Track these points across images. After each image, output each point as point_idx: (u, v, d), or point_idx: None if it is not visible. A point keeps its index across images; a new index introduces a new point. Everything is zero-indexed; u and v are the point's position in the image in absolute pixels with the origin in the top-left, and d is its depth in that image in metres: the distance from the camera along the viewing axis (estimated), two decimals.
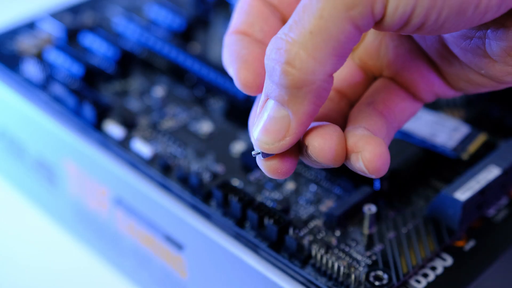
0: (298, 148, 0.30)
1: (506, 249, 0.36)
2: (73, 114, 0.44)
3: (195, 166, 0.40)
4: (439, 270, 0.35)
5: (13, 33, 0.52)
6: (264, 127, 0.29)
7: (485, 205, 0.37)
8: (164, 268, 0.42)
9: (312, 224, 0.37)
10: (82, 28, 0.51)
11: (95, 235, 0.47)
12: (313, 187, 0.39)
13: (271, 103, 0.28)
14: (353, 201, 0.37)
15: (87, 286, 0.47)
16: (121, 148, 0.42)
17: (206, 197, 0.38)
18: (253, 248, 0.36)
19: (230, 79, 0.45)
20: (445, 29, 0.27)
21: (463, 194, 0.35)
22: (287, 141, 0.28)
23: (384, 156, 0.28)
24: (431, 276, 0.35)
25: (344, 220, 0.37)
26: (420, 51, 0.32)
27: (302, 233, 0.36)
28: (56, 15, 0.53)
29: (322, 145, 0.28)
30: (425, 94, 0.33)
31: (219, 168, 0.40)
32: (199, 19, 0.53)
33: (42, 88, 0.47)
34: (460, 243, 0.36)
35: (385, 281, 0.34)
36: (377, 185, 0.38)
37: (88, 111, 0.43)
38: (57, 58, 0.48)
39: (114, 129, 0.43)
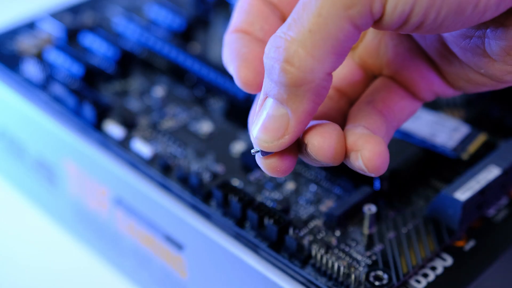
0: (297, 146, 0.30)
1: (506, 249, 0.36)
2: (73, 114, 0.44)
3: (195, 166, 0.40)
4: (439, 270, 0.35)
5: (13, 33, 0.52)
6: (263, 125, 0.29)
7: (485, 205, 0.37)
8: (164, 268, 0.42)
9: (312, 224, 0.37)
10: (82, 28, 0.51)
11: (95, 235, 0.47)
12: (313, 187, 0.39)
13: (270, 101, 0.28)
14: (353, 201, 0.37)
15: (87, 286, 0.47)
16: (121, 148, 0.42)
17: (206, 197, 0.38)
18: (253, 248, 0.36)
19: (230, 79, 0.45)
20: (444, 28, 0.27)
21: (463, 194, 0.35)
22: (286, 139, 0.28)
23: (384, 154, 0.28)
24: (431, 276, 0.35)
25: (344, 220, 0.37)
26: (419, 50, 0.32)
27: (302, 233, 0.36)
28: (56, 15, 0.53)
29: (322, 144, 0.28)
30: (425, 93, 0.33)
31: (219, 168, 0.40)
32: (199, 19, 0.53)
33: (42, 88, 0.47)
34: (460, 243, 0.36)
35: (385, 281, 0.34)
36: (377, 185, 0.38)
37: (88, 111, 0.43)
38: (57, 58, 0.48)
39: (114, 129, 0.43)
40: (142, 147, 0.41)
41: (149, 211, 0.41)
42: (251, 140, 0.29)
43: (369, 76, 0.34)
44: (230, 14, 0.53)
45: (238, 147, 0.42)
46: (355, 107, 0.32)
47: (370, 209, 0.36)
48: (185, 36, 0.51)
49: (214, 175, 0.40)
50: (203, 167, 0.40)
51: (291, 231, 0.35)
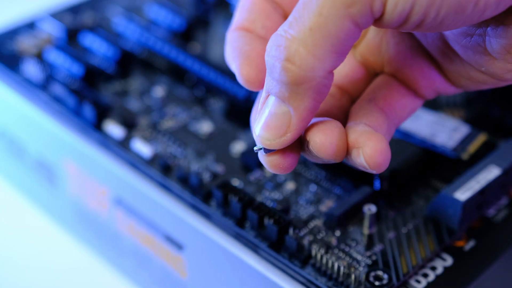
0: (299, 144, 0.30)
1: (506, 249, 0.36)
2: (73, 114, 0.44)
3: (195, 166, 0.40)
4: (439, 270, 0.35)
5: (13, 33, 0.52)
6: (266, 123, 0.29)
7: (485, 205, 0.37)
8: (164, 268, 0.42)
9: (312, 224, 0.37)
10: (82, 28, 0.51)
11: (95, 235, 0.47)
12: (313, 187, 0.39)
13: (272, 99, 0.29)
14: (353, 201, 0.37)
15: (87, 286, 0.47)
16: (121, 148, 0.42)
17: (206, 197, 0.38)
18: (253, 248, 0.36)
19: (230, 79, 0.45)
20: (444, 26, 0.27)
21: (463, 194, 0.35)
22: (288, 137, 0.29)
23: (385, 152, 0.28)
24: (431, 276, 0.35)
25: (344, 220, 0.37)
26: (421, 48, 0.32)
27: (302, 233, 0.36)
28: (56, 15, 0.53)
29: (323, 141, 0.29)
30: (426, 90, 0.33)
31: (219, 168, 0.40)
32: (199, 19, 0.53)
33: (42, 88, 0.47)
34: (460, 243, 0.36)
35: (385, 281, 0.34)
36: (377, 185, 0.38)
37: (88, 111, 0.43)
38: (57, 58, 0.48)
39: (114, 129, 0.43)
40: (142, 147, 0.41)
41: (149, 211, 0.41)
42: (254, 138, 0.29)
43: (370, 73, 0.34)
44: (230, 14, 0.54)
45: (238, 147, 0.42)
46: (357, 105, 0.32)
47: (370, 209, 0.36)
48: (185, 36, 0.51)
49: (214, 175, 0.40)
50: (203, 167, 0.40)
51: (291, 231, 0.35)
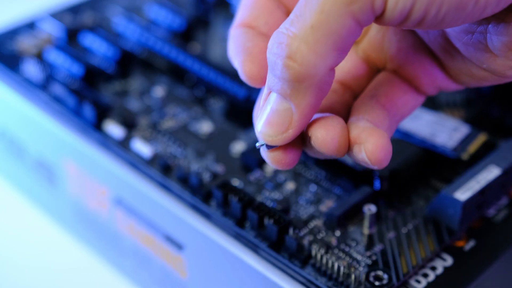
0: (301, 139, 0.30)
1: (506, 249, 0.36)
2: (73, 114, 0.44)
3: (195, 166, 0.40)
4: (439, 270, 0.35)
5: (13, 33, 0.52)
6: (267, 119, 0.29)
7: (485, 205, 0.37)
8: (164, 268, 0.42)
9: (312, 224, 0.37)
10: (82, 28, 0.51)
11: (95, 235, 0.47)
12: (313, 187, 0.39)
13: (273, 96, 0.29)
14: (353, 201, 0.37)
15: (87, 286, 0.47)
16: (121, 148, 0.42)
17: (206, 197, 0.38)
18: (253, 248, 0.36)
19: (230, 79, 0.45)
20: (445, 24, 0.27)
21: (463, 194, 0.35)
22: (290, 133, 0.29)
23: (387, 147, 0.29)
24: (431, 276, 0.35)
25: (344, 220, 0.36)
26: (423, 45, 0.33)
27: (302, 233, 0.36)
28: (56, 15, 0.53)
29: (325, 136, 0.29)
30: (428, 87, 0.33)
31: (219, 168, 0.40)
32: (199, 19, 0.53)
33: (42, 88, 0.47)
34: (460, 243, 0.36)
35: (385, 281, 0.34)
36: (377, 185, 0.38)
37: (88, 111, 0.43)
38: (57, 58, 0.48)
39: (114, 129, 0.43)
40: (142, 147, 0.41)
41: (149, 211, 0.41)
42: (256, 134, 0.30)
43: (373, 70, 0.34)
44: (230, 14, 0.54)
45: (238, 147, 0.42)
46: (359, 101, 0.32)
47: (370, 209, 0.36)
48: (185, 36, 0.51)
49: (214, 175, 0.40)
50: (203, 167, 0.40)
51: (291, 231, 0.35)
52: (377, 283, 0.34)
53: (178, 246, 0.40)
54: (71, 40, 0.51)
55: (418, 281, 0.34)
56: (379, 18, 0.27)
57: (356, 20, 0.26)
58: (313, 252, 0.35)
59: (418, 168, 0.39)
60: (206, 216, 0.38)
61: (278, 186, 0.39)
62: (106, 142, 0.42)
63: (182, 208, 0.39)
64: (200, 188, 0.39)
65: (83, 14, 0.54)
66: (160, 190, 0.40)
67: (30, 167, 0.50)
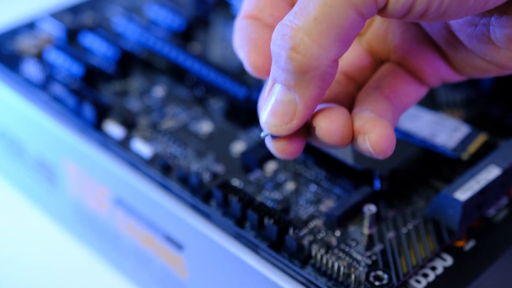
0: (306, 129, 0.30)
1: (506, 249, 0.36)
2: (73, 114, 0.44)
3: (195, 166, 0.40)
4: (439, 270, 0.35)
5: (13, 33, 0.52)
6: (272, 110, 0.29)
7: (485, 205, 0.37)
8: (164, 268, 0.42)
9: (312, 224, 0.37)
10: (82, 28, 0.51)
11: (95, 235, 0.47)
12: (313, 187, 0.39)
13: (278, 87, 0.29)
14: (353, 201, 0.37)
15: (87, 286, 0.47)
16: (121, 148, 0.42)
17: (206, 197, 0.38)
18: (253, 248, 0.36)
19: (230, 79, 0.45)
20: (448, 16, 0.28)
21: (463, 194, 0.35)
22: (294, 123, 0.29)
23: (390, 137, 0.29)
24: (431, 276, 0.35)
25: (344, 220, 0.37)
26: (426, 37, 0.33)
27: (302, 233, 0.36)
28: (56, 15, 0.53)
29: (329, 126, 0.29)
30: (431, 78, 0.33)
31: (219, 168, 0.40)
32: (199, 19, 0.53)
33: (42, 88, 0.47)
34: (460, 243, 0.36)
35: (385, 281, 0.34)
36: (377, 185, 0.38)
37: (88, 111, 0.43)
38: (57, 58, 0.48)
39: (114, 129, 0.43)
40: (142, 147, 0.41)
41: (149, 211, 0.41)
42: (260, 124, 0.30)
43: (376, 61, 0.35)
44: (230, 14, 0.54)
45: (238, 147, 0.42)
46: (363, 92, 0.32)
47: (370, 209, 0.36)
48: (185, 36, 0.51)
49: (214, 175, 0.40)
50: (203, 167, 0.40)
51: (291, 231, 0.35)
52: (377, 283, 0.34)
53: (178, 246, 0.40)
54: (71, 40, 0.51)
55: (418, 281, 0.34)
56: (382, 10, 0.27)
57: (359, 12, 0.27)
58: (313, 252, 0.35)
59: (418, 168, 0.39)
60: (206, 216, 0.38)
61: (278, 186, 0.39)
62: (106, 142, 0.42)
63: (182, 208, 0.39)
64: (200, 188, 0.39)
65: (83, 14, 0.54)
66: (160, 190, 0.40)
67: (30, 167, 0.50)
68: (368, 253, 0.35)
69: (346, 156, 0.39)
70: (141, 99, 0.46)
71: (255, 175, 0.40)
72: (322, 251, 0.35)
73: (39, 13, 0.54)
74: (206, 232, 0.37)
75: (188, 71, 0.47)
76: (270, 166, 0.40)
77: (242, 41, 0.33)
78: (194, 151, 0.42)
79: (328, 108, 0.30)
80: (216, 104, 0.45)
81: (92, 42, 0.49)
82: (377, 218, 0.37)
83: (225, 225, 0.37)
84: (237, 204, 0.37)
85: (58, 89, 0.45)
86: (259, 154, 0.40)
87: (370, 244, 0.36)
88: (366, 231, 0.36)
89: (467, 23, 0.30)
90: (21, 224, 0.51)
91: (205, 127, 0.43)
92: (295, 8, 0.28)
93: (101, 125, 0.43)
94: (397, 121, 0.33)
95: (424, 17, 0.27)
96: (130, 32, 0.50)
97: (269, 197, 0.39)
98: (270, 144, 0.31)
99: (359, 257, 0.35)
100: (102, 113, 0.43)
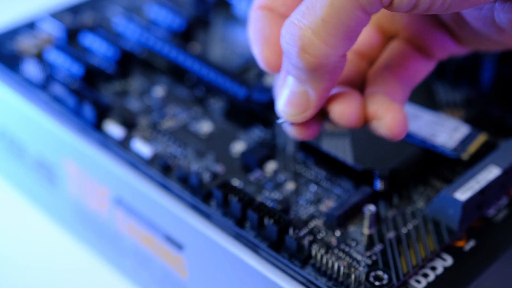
0: (321, 113, 0.33)
1: (506, 249, 0.36)
2: (73, 114, 0.44)
3: (195, 166, 0.40)
4: (439, 270, 0.35)
5: (13, 33, 0.52)
6: (288, 100, 0.32)
7: (485, 205, 0.37)
8: (164, 268, 0.42)
9: (312, 224, 0.37)
10: (82, 28, 0.51)
11: (95, 235, 0.47)
12: (313, 187, 0.39)
13: (291, 79, 0.31)
14: (353, 201, 0.37)
15: (87, 286, 0.47)
16: (121, 148, 0.42)
17: (206, 197, 0.38)
18: (253, 248, 0.36)
19: (230, 79, 0.45)
20: (452, 9, 0.29)
21: (463, 194, 0.35)
22: (309, 112, 0.32)
23: (403, 122, 0.32)
24: (431, 276, 0.35)
25: (344, 220, 0.36)
26: (433, 16, 0.34)
27: (302, 233, 0.36)
28: (56, 15, 0.53)
29: (343, 111, 0.32)
30: (439, 53, 0.35)
31: (219, 168, 0.40)
32: (199, 19, 0.53)
33: (42, 88, 0.47)
34: (460, 243, 0.36)
35: (385, 281, 0.34)
36: (377, 185, 0.38)
37: (88, 111, 0.43)
38: (57, 58, 0.48)
39: (114, 129, 0.43)
40: (142, 147, 0.41)
41: (149, 211, 0.41)
42: (276, 111, 0.32)
43: (386, 38, 0.36)
44: (230, 14, 0.54)
45: (238, 147, 0.42)
46: (373, 71, 0.34)
47: (370, 209, 0.36)
48: (185, 36, 0.51)
49: (214, 175, 0.40)
50: (203, 167, 0.40)
51: (291, 231, 0.35)
52: (377, 283, 0.34)
53: (178, 246, 0.40)
54: (71, 40, 0.51)
55: (418, 281, 0.34)
56: (387, 7, 0.28)
57: (365, 11, 0.28)
58: (313, 252, 0.35)
59: (418, 168, 0.39)
60: (206, 216, 0.38)
61: (278, 186, 0.39)
62: (106, 142, 0.42)
63: (182, 208, 0.39)
64: (200, 188, 0.39)
65: (83, 14, 0.54)
66: (160, 190, 0.40)
67: (30, 167, 0.50)
68: (368, 253, 0.35)
69: (346, 156, 0.39)
70: (141, 99, 0.46)
71: (255, 175, 0.40)
72: (322, 251, 0.35)
73: (39, 13, 0.54)
74: (206, 232, 0.37)
75: (188, 71, 0.47)
76: (270, 166, 0.40)
77: (255, 37, 0.34)
78: (194, 151, 0.42)
79: (342, 94, 0.32)
80: (216, 104, 0.45)
81: (92, 42, 0.49)
82: (377, 218, 0.37)
83: (225, 225, 0.37)
84: (237, 204, 0.37)
85: (58, 89, 0.45)
86: (259, 154, 0.40)
87: (370, 244, 0.36)
88: (366, 231, 0.36)
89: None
90: (21, 224, 0.51)
91: (205, 127, 0.43)
92: (303, 7, 0.29)
93: (101, 125, 0.43)
94: (407, 97, 0.34)
95: (429, 11, 0.28)
96: (130, 32, 0.50)
97: (269, 197, 0.39)
98: (287, 129, 0.33)
99: (359, 257, 0.35)
100: (102, 113, 0.43)
